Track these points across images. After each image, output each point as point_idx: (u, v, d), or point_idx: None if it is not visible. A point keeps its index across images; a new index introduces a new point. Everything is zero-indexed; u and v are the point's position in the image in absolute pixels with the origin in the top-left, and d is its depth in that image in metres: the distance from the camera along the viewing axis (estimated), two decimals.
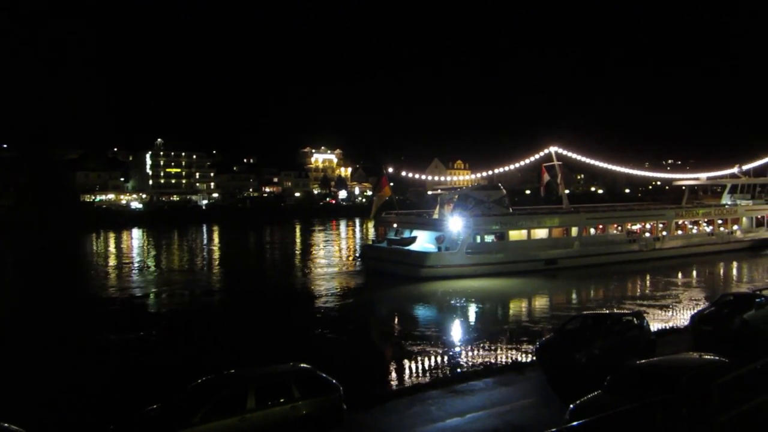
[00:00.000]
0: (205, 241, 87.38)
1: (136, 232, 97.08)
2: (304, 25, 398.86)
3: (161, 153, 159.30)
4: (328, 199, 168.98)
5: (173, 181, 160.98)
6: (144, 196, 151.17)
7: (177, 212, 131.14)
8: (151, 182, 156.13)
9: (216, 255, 68.66)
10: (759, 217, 60.29)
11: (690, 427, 10.28)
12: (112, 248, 76.13)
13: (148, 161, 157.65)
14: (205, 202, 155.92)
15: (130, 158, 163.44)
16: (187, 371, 17.55)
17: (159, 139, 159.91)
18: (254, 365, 14.67)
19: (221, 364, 15.84)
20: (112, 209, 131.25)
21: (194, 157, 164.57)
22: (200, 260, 61.45)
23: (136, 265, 56.81)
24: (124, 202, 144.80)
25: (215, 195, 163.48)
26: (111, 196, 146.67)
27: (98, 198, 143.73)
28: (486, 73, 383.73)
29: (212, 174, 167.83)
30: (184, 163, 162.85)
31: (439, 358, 23.11)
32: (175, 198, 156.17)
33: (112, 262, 60.06)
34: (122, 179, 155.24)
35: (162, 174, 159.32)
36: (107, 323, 31.18)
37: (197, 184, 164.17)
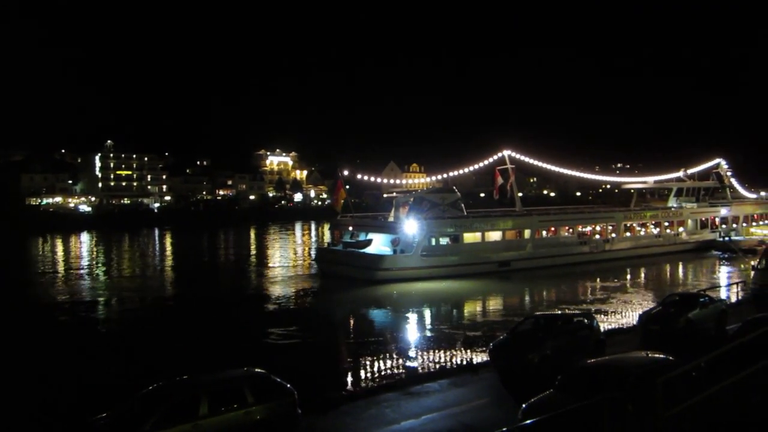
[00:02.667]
0: (157, 245, 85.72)
1: (85, 237, 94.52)
2: (259, 24, 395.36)
3: (111, 155, 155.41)
4: (283, 201, 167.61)
5: (124, 183, 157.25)
6: (93, 199, 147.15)
7: (128, 215, 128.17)
8: (100, 185, 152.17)
9: (168, 259, 67.41)
10: (703, 219, 62.41)
11: (636, 423, 10.57)
12: (59, 253, 73.91)
13: (98, 163, 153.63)
14: (157, 205, 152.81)
15: (79, 160, 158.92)
16: (138, 378, 17.18)
17: (109, 141, 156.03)
18: (207, 371, 14.45)
19: (173, 370, 15.56)
20: (59, 213, 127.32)
21: (146, 159, 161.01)
22: (152, 265, 60.22)
23: (84, 270, 55.29)
24: (72, 205, 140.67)
25: (167, 198, 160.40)
26: (58, 199, 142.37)
27: (44, 201, 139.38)
28: (440, 77, 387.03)
29: (164, 176, 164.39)
30: (135, 165, 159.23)
31: (394, 361, 23.19)
32: (126, 201, 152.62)
33: (59, 267, 58.30)
34: (70, 182, 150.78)
35: (112, 176, 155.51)
36: (52, 330, 30.30)
37: (149, 187, 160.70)
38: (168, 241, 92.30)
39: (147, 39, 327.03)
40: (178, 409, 12.18)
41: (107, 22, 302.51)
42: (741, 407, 9.96)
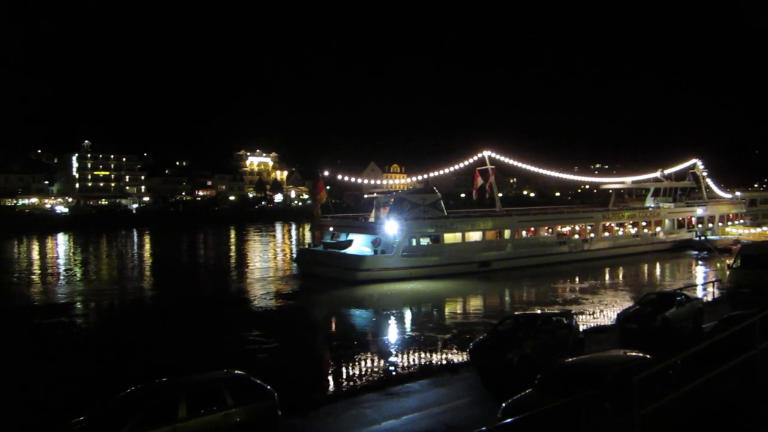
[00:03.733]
0: (135, 247, 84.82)
1: (62, 238, 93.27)
2: (238, 25, 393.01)
3: (88, 155, 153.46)
4: (263, 202, 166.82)
5: (101, 184, 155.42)
6: (70, 199, 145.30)
7: (105, 216, 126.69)
8: (77, 185, 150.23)
9: (147, 261, 66.71)
10: (680, 219, 63.23)
11: (613, 420, 10.69)
12: (35, 254, 72.86)
13: (75, 163, 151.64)
14: (135, 206, 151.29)
15: (55, 160, 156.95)
16: (116, 381, 17.01)
17: (86, 141, 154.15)
18: (186, 373, 14.35)
19: (151, 373, 15.42)
20: (35, 213, 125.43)
21: (124, 159, 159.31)
22: (130, 267, 59.57)
23: (60, 272, 54.56)
24: (48, 206, 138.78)
25: (146, 199, 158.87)
26: (34, 200, 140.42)
27: (20, 202, 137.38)
28: (421, 78, 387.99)
29: (143, 177, 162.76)
30: (113, 165, 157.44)
31: (375, 361, 23.19)
32: (104, 202, 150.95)
33: (35, 269, 57.46)
34: (46, 182, 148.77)
35: (89, 177, 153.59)
36: (29, 333, 29.85)
37: (127, 188, 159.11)
38: (146, 242, 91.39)
39: (125, 39, 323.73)
40: (157, 411, 12.11)
41: (85, 21, 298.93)
42: (716, 404, 10.12)
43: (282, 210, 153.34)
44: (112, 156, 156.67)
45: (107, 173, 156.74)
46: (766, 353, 11.26)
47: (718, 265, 48.83)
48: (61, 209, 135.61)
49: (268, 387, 13.84)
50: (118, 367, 22.13)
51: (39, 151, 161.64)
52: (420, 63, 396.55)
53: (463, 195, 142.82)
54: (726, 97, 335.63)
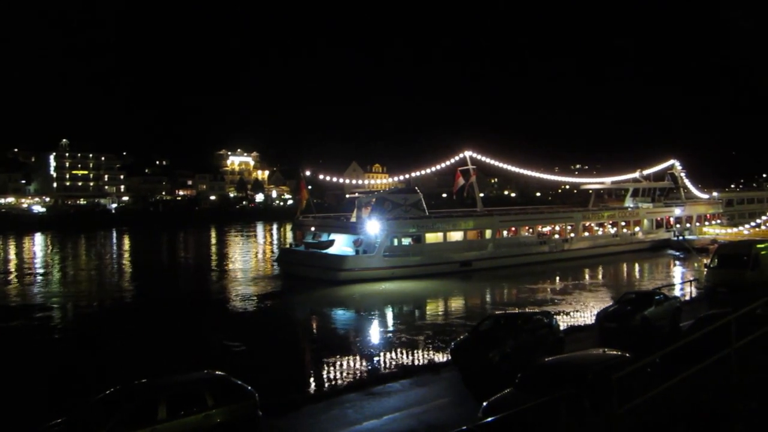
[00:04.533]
0: (114, 247, 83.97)
1: (39, 238, 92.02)
2: (219, 24, 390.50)
3: (67, 154, 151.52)
4: (244, 202, 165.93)
5: (80, 183, 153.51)
6: (47, 199, 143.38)
7: (84, 216, 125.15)
8: (55, 185, 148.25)
9: (126, 261, 66.06)
10: (658, 219, 64.01)
11: (592, 419, 10.80)
12: (11, 255, 71.80)
13: (52, 162, 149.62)
14: (114, 205, 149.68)
15: (32, 159, 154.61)
16: (95, 382, 16.83)
17: (64, 140, 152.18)
18: (166, 374, 14.23)
19: (130, 374, 15.28)
20: (11, 213, 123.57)
21: (103, 158, 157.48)
22: (109, 267, 58.97)
23: (37, 272, 53.81)
24: (25, 205, 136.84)
25: (125, 198, 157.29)
26: (11, 199, 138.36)
27: None
28: (404, 78, 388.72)
29: (122, 176, 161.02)
30: (91, 164, 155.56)
31: (356, 361, 23.19)
32: (82, 201, 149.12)
33: (10, 269, 56.61)
34: (23, 181, 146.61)
35: (68, 176, 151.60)
36: (4, 334, 29.45)
37: (106, 187, 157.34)
38: (126, 242, 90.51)
39: (105, 35, 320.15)
40: (136, 413, 11.99)
41: (67, 18, 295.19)
42: (692, 402, 10.26)
43: (263, 210, 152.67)
44: (90, 155, 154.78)
45: (86, 172, 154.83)
46: (742, 352, 11.44)
47: (696, 264, 49.47)
48: (38, 209, 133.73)
49: (249, 387, 13.77)
50: (97, 369, 21.86)
51: (15, 149, 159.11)
52: (402, 63, 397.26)
53: (444, 195, 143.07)
54: (704, 98, 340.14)
